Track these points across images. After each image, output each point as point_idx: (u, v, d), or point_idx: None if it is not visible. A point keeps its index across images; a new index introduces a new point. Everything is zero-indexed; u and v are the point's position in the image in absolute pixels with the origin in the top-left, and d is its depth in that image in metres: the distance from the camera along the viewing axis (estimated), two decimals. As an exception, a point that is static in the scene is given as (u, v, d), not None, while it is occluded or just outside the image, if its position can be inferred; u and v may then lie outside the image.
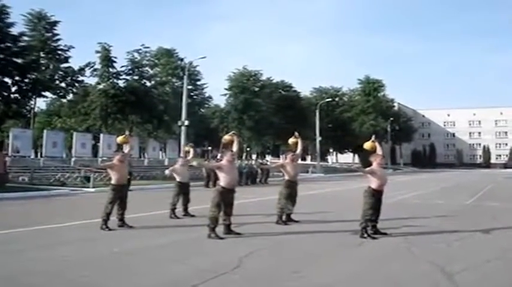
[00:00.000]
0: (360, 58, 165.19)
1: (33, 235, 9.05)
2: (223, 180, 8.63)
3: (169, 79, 49.83)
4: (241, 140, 58.14)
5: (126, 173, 10.29)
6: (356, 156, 78.43)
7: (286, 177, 10.77)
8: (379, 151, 9.61)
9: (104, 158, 33.45)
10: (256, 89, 55.60)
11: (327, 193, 22.33)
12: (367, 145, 9.84)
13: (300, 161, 12.11)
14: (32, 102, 38.03)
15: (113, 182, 9.86)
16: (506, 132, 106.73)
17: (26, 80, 34.95)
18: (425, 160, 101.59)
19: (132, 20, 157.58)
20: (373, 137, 10.15)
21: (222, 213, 8.68)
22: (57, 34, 37.76)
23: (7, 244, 8.03)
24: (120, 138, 11.06)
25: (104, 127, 40.89)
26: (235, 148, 9.37)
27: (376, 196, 8.86)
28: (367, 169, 9.09)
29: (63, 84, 38.87)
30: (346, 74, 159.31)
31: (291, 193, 10.59)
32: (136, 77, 42.28)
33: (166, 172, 12.56)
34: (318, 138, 52.80)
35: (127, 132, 11.26)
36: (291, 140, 11.57)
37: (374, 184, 8.89)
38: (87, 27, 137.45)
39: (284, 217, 10.58)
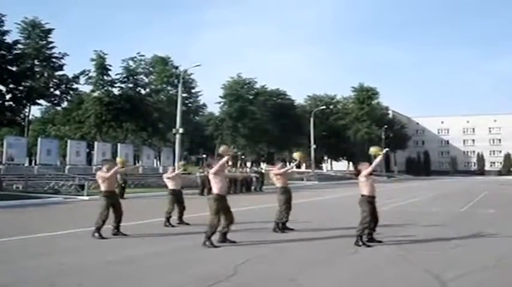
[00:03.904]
0: (354, 66, 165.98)
1: (26, 244, 9.00)
2: (216, 187, 8.67)
3: (164, 87, 49.83)
4: (235, 148, 58.28)
5: (114, 181, 10.47)
6: (351, 163, 78.62)
7: (280, 184, 10.84)
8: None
9: (99, 166, 33.36)
10: (251, 97, 55.76)
11: (322, 200, 22.32)
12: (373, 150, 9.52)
13: (294, 169, 12.21)
14: (27, 110, 37.89)
15: (103, 189, 9.89)
16: (500, 140, 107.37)
17: (21, 88, 34.84)
18: (419, 167, 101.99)
19: (127, 28, 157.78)
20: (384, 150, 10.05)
21: (223, 221, 8.67)
22: (52, 42, 37.68)
23: (0, 253, 7.97)
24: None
25: (98, 135, 40.82)
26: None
27: (371, 202, 8.91)
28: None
29: (57, 92, 38.76)
30: (340, 81, 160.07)
31: (288, 199, 10.66)
32: (131, 85, 42.26)
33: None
34: (313, 146, 52.89)
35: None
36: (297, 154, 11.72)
37: (366, 190, 8.95)
38: (81, 35, 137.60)
39: (280, 225, 10.59)
